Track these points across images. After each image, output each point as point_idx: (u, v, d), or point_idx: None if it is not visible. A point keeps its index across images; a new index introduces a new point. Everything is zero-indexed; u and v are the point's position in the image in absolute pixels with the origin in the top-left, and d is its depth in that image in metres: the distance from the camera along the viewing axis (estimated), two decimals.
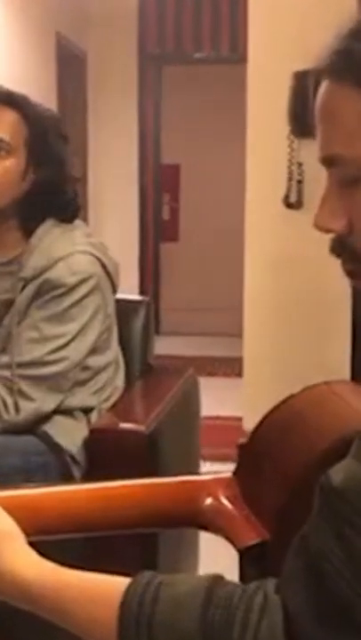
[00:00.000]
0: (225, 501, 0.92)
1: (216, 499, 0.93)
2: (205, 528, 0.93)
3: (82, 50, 6.04)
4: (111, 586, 0.74)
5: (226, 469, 2.96)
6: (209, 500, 0.92)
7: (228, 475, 0.96)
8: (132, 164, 6.37)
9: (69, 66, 5.69)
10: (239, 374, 4.58)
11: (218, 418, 3.92)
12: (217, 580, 0.73)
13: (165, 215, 6.71)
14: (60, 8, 5.36)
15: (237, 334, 5.52)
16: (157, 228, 6.65)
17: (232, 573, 2.01)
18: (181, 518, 0.94)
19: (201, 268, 6.73)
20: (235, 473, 0.96)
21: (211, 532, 0.93)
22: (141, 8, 6.17)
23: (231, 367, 5.10)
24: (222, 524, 0.91)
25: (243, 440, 1.63)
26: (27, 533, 0.81)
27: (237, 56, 5.83)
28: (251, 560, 0.89)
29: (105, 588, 0.74)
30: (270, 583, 0.70)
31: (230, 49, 6.16)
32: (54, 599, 0.75)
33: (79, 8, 5.88)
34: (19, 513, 0.82)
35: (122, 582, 0.73)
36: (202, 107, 6.53)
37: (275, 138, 3.03)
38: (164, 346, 4.94)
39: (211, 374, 4.95)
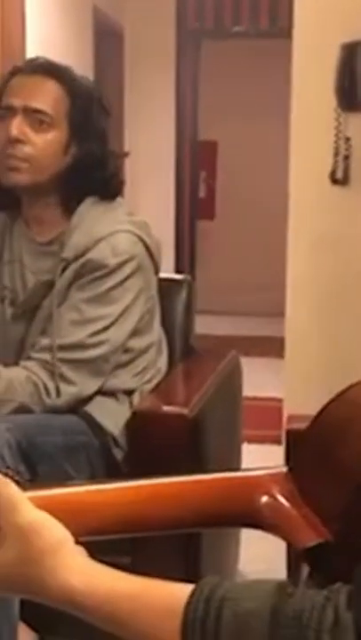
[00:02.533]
0: (281, 499, 0.87)
1: (272, 496, 0.87)
2: (261, 527, 0.88)
3: (119, 24, 5.96)
4: (170, 598, 0.70)
5: (267, 451, 2.89)
6: (264, 498, 0.87)
7: (283, 469, 0.91)
8: (168, 141, 6.30)
9: (106, 41, 5.63)
10: (277, 354, 4.51)
11: (255, 399, 3.86)
12: (282, 592, 0.68)
13: (202, 193, 6.64)
14: None
15: (274, 314, 5.45)
16: (194, 206, 6.58)
17: (273, 564, 1.95)
18: (235, 517, 0.89)
19: (237, 247, 6.67)
20: (290, 467, 0.90)
21: (267, 532, 0.88)
22: None
23: (269, 347, 5.04)
24: (279, 524, 0.86)
25: (294, 426, 1.58)
26: (71, 535, 0.77)
27: (277, 30, 5.72)
28: (310, 561, 0.84)
29: (164, 602, 0.70)
30: (342, 595, 0.65)
31: (270, 23, 6.04)
32: (108, 611, 0.70)
33: None
34: (64, 513, 0.78)
35: (181, 596, 0.69)
36: (240, 82, 6.44)
37: (321, 112, 2.95)
38: (199, 325, 4.89)
39: (247, 354, 4.89)
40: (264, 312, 6.06)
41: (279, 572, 2.34)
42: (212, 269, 6.63)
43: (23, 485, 0.79)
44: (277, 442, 3.42)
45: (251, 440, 2.94)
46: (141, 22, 6.06)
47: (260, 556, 2.38)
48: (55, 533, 0.74)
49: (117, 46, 5.98)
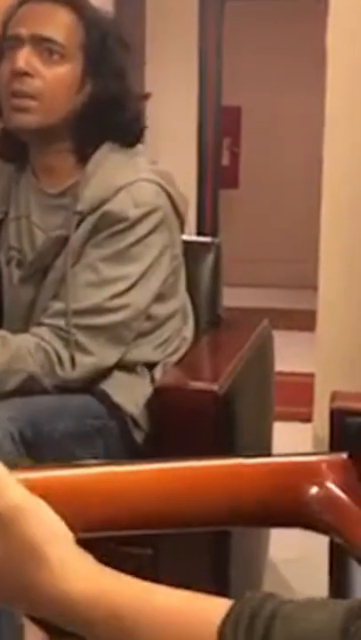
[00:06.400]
0: (338, 491, 0.69)
1: (327, 488, 0.70)
2: (312, 527, 0.70)
3: None
4: (203, 613, 0.55)
5: (296, 430, 2.71)
6: (315, 489, 0.69)
7: (343, 455, 0.73)
8: (190, 106, 6.16)
9: (127, 2, 5.46)
10: (302, 328, 4.35)
11: (281, 373, 3.70)
12: (353, 613, 0.53)
13: (225, 160, 6.49)
14: None
15: (301, 286, 5.27)
16: (217, 175, 6.43)
17: (304, 552, 1.78)
18: (280, 514, 0.71)
19: (262, 217, 6.54)
20: (351, 454, 0.73)
21: (319, 532, 0.70)
22: None
23: (294, 320, 4.90)
24: (335, 522, 0.69)
25: (340, 404, 1.40)
26: (72, 530, 0.60)
27: None
28: None
29: (193, 617, 0.55)
30: None
31: None
32: (118, 628, 0.55)
33: None
34: (63, 502, 0.61)
35: (218, 610, 0.54)
36: (266, 44, 6.28)
37: (358, 75, 2.78)
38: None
39: (273, 327, 4.76)
40: (290, 284, 5.93)
41: (311, 561, 2.19)
42: (236, 240, 6.47)
43: (11, 464, 0.62)
44: (307, 420, 3.26)
45: (277, 417, 2.77)
46: None
47: (290, 545, 2.24)
48: (49, 523, 0.58)
49: (139, 5, 5.83)
